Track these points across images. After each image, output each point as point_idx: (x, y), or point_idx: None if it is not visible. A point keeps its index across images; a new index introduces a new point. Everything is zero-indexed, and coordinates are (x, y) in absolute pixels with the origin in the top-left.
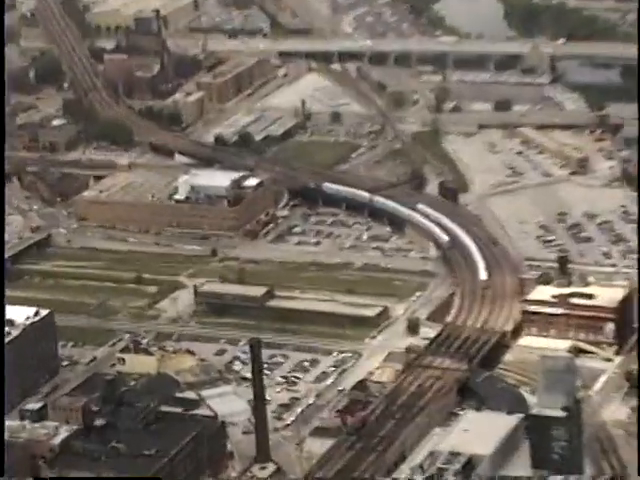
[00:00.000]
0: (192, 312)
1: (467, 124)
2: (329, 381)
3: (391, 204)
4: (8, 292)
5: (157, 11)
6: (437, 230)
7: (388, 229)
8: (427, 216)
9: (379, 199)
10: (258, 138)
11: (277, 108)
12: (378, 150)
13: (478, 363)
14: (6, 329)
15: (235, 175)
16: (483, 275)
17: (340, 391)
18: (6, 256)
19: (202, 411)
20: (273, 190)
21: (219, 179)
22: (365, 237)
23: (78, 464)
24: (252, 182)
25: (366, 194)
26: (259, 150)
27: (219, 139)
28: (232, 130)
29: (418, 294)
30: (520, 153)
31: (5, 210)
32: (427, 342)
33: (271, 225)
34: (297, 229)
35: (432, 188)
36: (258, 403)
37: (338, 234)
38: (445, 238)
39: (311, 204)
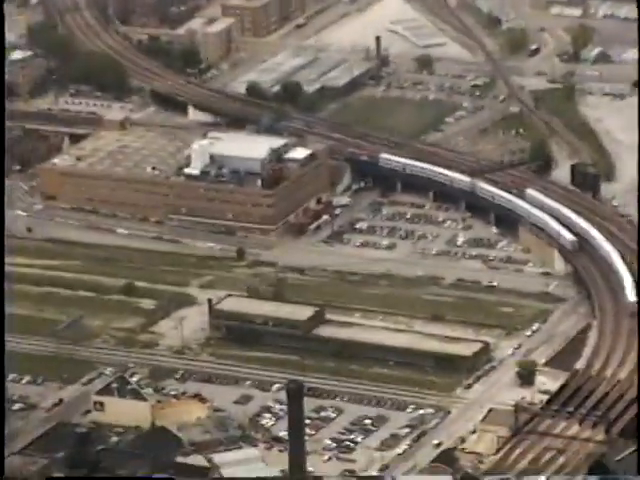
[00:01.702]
0: (205, 340)
1: (617, 80)
2: (401, 448)
3: (500, 194)
4: None
5: None
6: (566, 234)
7: (494, 230)
8: (552, 213)
9: (483, 186)
10: (310, 90)
11: (339, 47)
12: (484, 114)
13: (619, 432)
14: None
15: (275, 142)
16: (631, 298)
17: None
18: None
19: None
20: (329, 166)
21: (251, 148)
22: (461, 240)
23: None
24: (299, 154)
25: (465, 178)
26: (311, 107)
27: (253, 89)
28: (272, 77)
29: (535, 327)
30: None
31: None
32: (546, 398)
33: (325, 217)
34: (362, 224)
35: (562, 173)
36: (296, 476)
37: (422, 234)
38: (576, 245)
39: (384, 189)
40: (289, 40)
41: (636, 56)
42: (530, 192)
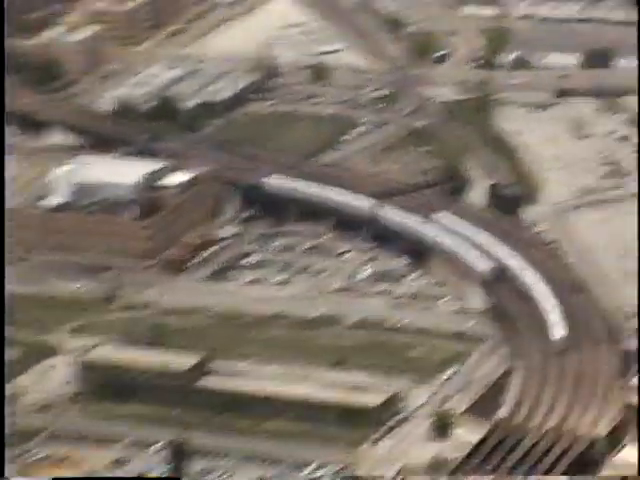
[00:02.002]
0: (73, 394)
1: (538, 88)
2: None
3: (409, 220)
4: None
5: None
6: (484, 264)
7: (403, 261)
8: (468, 241)
9: (389, 211)
10: (189, 105)
11: (221, 56)
12: (388, 129)
13: None
14: None
15: (150, 166)
16: (557, 335)
17: None
18: None
19: None
20: (212, 192)
21: (123, 173)
22: (365, 274)
23: None
24: (178, 178)
25: (367, 203)
26: (190, 125)
27: (124, 106)
28: (146, 91)
29: (451, 371)
30: (625, 139)
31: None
32: (466, 452)
33: (209, 251)
34: (252, 258)
35: (479, 194)
36: None
37: (320, 268)
38: (496, 277)
39: (276, 217)
40: (164, 49)
41: (560, 60)
42: (443, 217)
